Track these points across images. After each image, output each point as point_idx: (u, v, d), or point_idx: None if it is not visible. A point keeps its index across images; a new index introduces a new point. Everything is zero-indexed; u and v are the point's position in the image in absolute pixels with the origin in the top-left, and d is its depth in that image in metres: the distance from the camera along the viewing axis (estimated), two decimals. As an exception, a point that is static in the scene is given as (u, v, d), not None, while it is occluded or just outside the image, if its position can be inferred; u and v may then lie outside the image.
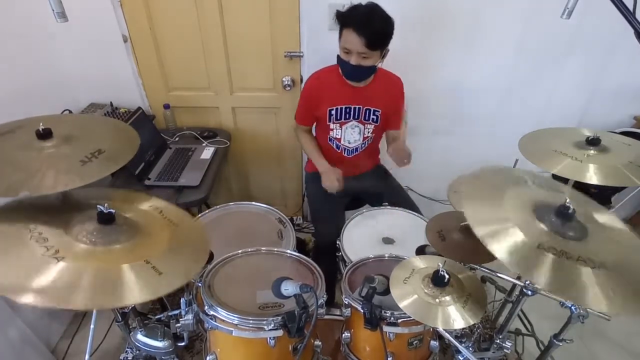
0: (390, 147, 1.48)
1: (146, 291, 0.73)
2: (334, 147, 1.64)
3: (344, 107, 1.54)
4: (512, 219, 0.82)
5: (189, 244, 0.90)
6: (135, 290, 0.73)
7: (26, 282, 0.67)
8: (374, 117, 1.56)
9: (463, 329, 1.01)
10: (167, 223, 0.92)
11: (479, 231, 0.78)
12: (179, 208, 0.98)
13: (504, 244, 0.77)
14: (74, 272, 0.71)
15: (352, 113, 1.55)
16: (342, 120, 1.57)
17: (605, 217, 0.90)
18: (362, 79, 1.49)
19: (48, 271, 0.69)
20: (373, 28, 1.31)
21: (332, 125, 1.58)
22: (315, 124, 1.68)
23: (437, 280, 0.93)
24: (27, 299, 0.65)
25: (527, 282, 1.03)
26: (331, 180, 1.50)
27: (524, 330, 1.45)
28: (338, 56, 1.43)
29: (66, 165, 0.84)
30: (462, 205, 0.85)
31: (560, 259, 0.75)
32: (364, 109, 1.54)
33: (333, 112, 1.55)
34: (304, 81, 1.59)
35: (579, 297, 0.72)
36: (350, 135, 1.61)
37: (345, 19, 1.34)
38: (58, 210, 0.85)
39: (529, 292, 1.03)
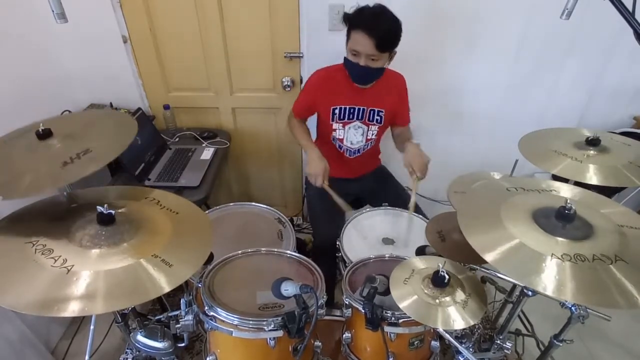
0: (405, 155, 1.45)
1: (164, 281, 0.74)
2: (337, 147, 1.64)
3: (348, 107, 1.53)
4: (517, 233, 0.81)
5: (193, 230, 0.90)
6: (153, 284, 0.73)
7: (48, 296, 0.67)
8: (378, 117, 1.56)
9: (463, 329, 1.02)
10: (167, 213, 0.92)
11: (489, 257, 0.77)
12: (175, 194, 0.98)
13: (522, 270, 0.74)
14: (88, 278, 0.71)
15: (355, 114, 1.55)
16: (346, 120, 1.56)
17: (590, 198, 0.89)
18: (370, 81, 1.47)
19: (63, 282, 0.69)
20: (383, 30, 1.30)
21: (335, 125, 1.58)
22: (317, 125, 1.68)
23: (437, 281, 0.92)
24: (55, 312, 0.65)
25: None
26: (316, 169, 1.40)
27: (524, 331, 1.45)
28: (345, 58, 1.42)
29: (47, 167, 0.82)
30: (467, 237, 0.84)
31: (577, 264, 0.72)
32: (368, 109, 1.54)
33: (337, 110, 1.54)
34: (309, 76, 1.58)
35: (612, 300, 0.67)
36: (353, 136, 1.60)
37: (354, 21, 1.33)
38: (55, 219, 0.84)
39: (529, 293, 1.03)
